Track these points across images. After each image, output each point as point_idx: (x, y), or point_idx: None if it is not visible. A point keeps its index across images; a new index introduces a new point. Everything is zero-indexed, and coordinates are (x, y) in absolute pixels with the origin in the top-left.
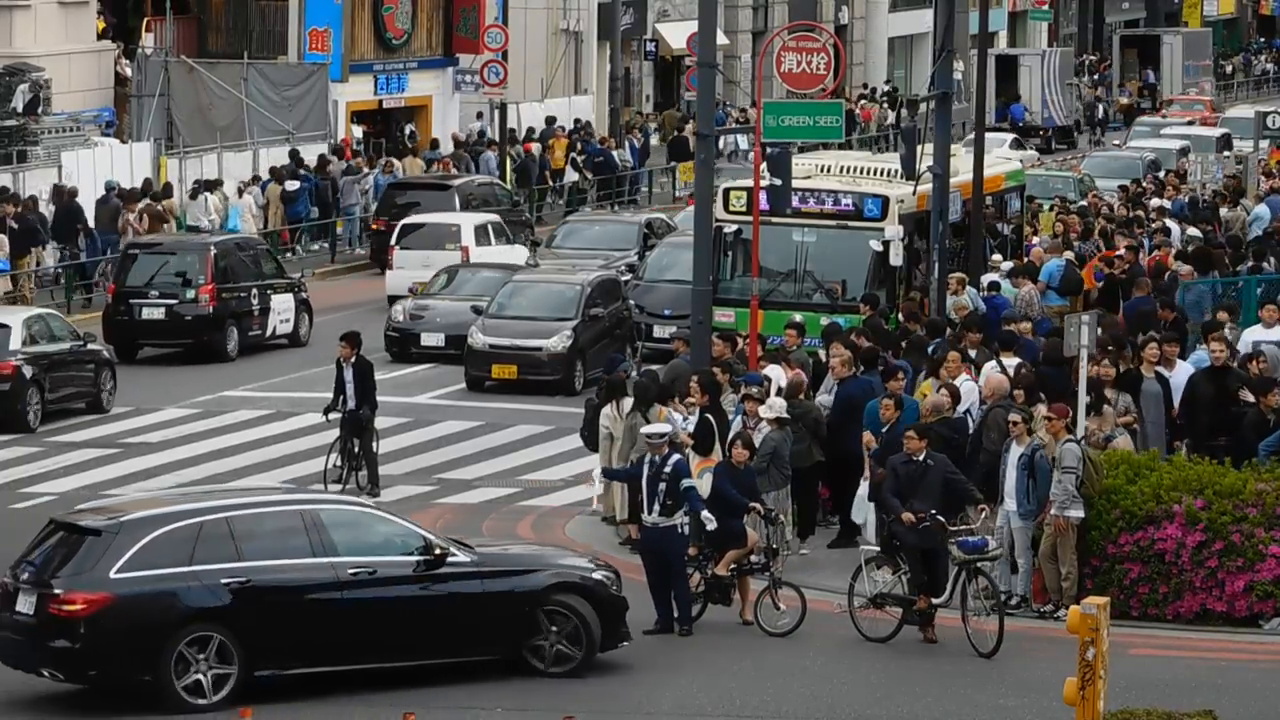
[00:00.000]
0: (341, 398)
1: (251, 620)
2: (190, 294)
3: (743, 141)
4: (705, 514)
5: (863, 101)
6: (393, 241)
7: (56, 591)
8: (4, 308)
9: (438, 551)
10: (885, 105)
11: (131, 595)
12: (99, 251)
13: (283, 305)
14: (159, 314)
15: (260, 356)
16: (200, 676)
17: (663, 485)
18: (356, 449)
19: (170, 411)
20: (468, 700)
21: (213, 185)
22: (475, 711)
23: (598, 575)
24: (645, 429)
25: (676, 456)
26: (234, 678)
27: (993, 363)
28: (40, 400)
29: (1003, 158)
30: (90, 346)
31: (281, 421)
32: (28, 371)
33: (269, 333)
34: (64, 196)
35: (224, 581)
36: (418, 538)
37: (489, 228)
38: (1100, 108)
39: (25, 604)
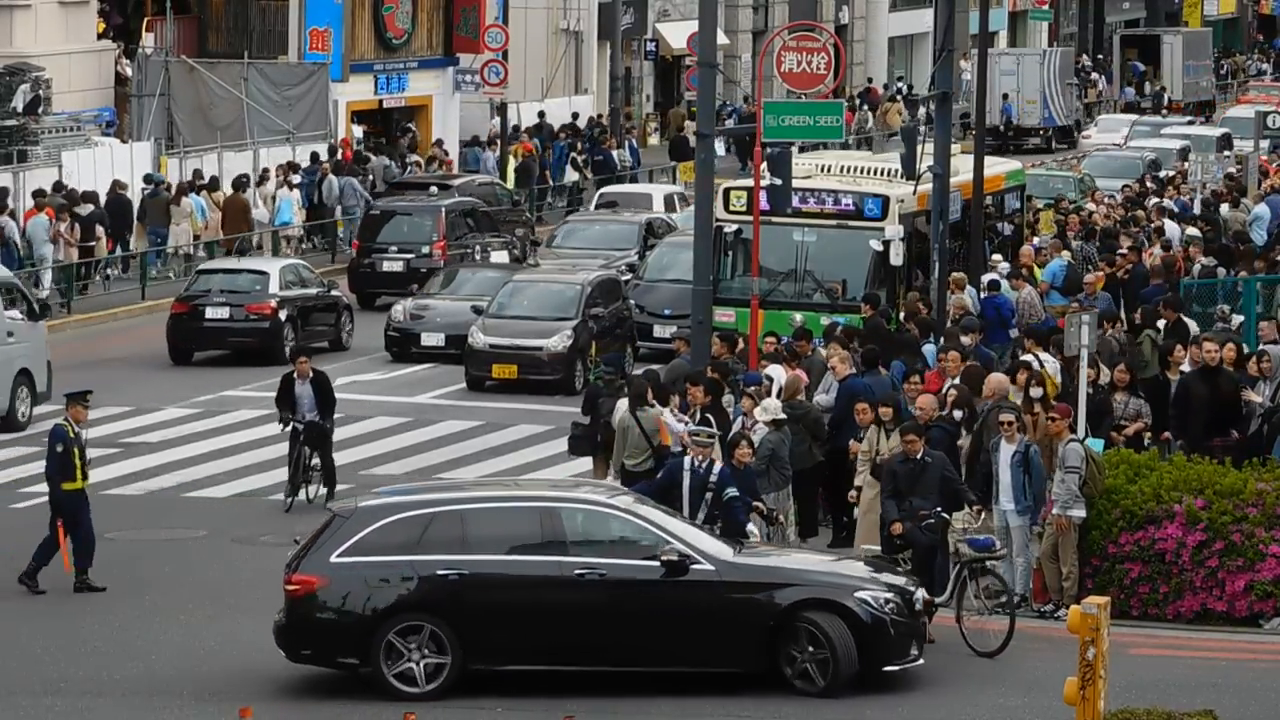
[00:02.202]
0: (298, 411)
1: (467, 613)
2: (425, 249)
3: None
4: (751, 527)
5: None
6: (591, 208)
7: (285, 573)
8: (262, 258)
9: (675, 558)
10: (901, 103)
11: (345, 579)
12: (14, 264)
13: (500, 259)
14: (398, 266)
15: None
16: (412, 665)
17: (709, 496)
18: (312, 461)
19: (170, 411)
20: (468, 700)
21: (259, 180)
22: (475, 711)
23: (862, 594)
24: (692, 427)
25: (720, 464)
26: (448, 669)
27: (1029, 358)
28: (295, 338)
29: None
30: (333, 293)
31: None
32: (284, 313)
33: None
34: (114, 189)
35: (440, 573)
36: (661, 542)
37: (675, 198)
38: (1166, 97)
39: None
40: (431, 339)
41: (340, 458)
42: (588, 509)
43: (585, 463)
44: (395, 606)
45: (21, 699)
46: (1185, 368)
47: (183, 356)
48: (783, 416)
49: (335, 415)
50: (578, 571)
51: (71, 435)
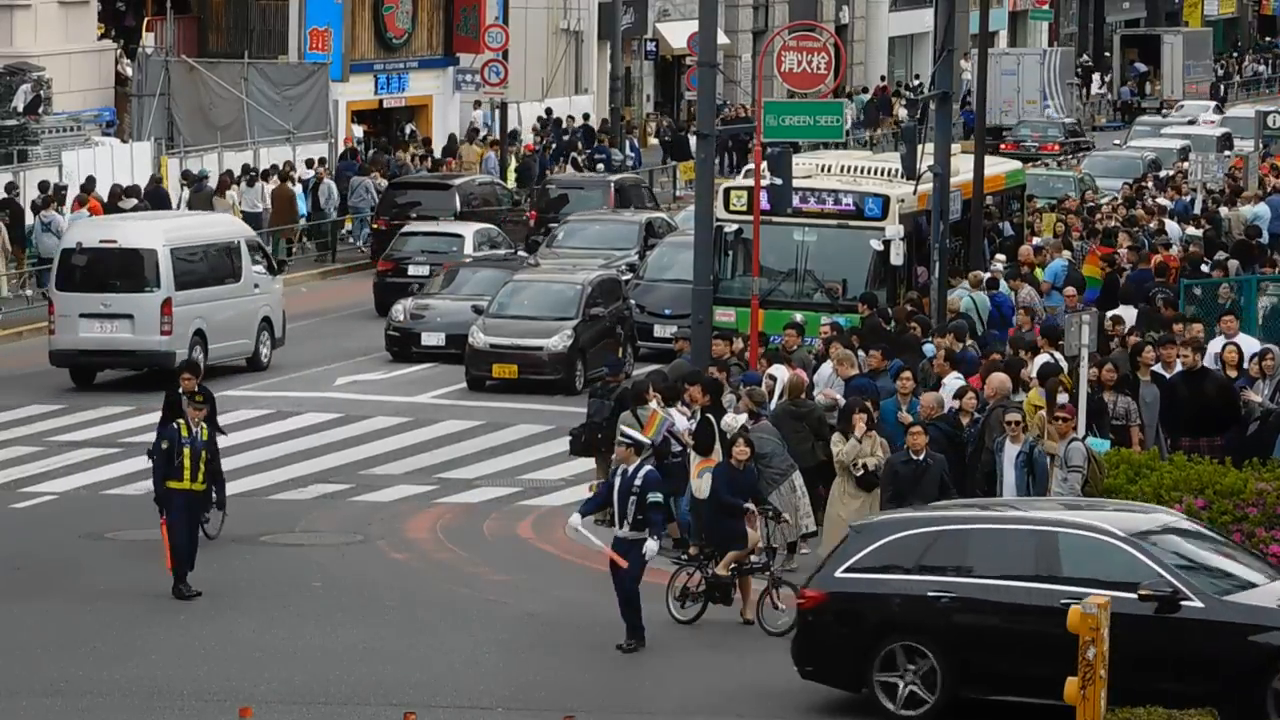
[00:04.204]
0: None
1: (954, 637)
2: None
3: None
4: (650, 545)
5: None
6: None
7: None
8: (458, 222)
9: (1166, 593)
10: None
11: (844, 595)
12: None
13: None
14: None
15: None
16: (901, 686)
17: (632, 499)
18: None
19: None
20: (468, 700)
21: (267, 174)
22: (475, 711)
23: None
24: (621, 427)
25: (647, 468)
26: (937, 695)
27: (1044, 355)
28: None
29: (1209, 121)
30: (520, 254)
31: (281, 421)
32: None
33: None
34: (153, 182)
35: (931, 594)
36: (1153, 574)
37: None
38: (1222, 88)
39: None
40: (432, 339)
41: (340, 458)
42: (1084, 535)
43: (586, 463)
44: (886, 627)
45: (21, 699)
46: (1157, 368)
47: (387, 310)
48: (739, 423)
49: (227, 427)
50: (1063, 601)
51: (184, 436)
